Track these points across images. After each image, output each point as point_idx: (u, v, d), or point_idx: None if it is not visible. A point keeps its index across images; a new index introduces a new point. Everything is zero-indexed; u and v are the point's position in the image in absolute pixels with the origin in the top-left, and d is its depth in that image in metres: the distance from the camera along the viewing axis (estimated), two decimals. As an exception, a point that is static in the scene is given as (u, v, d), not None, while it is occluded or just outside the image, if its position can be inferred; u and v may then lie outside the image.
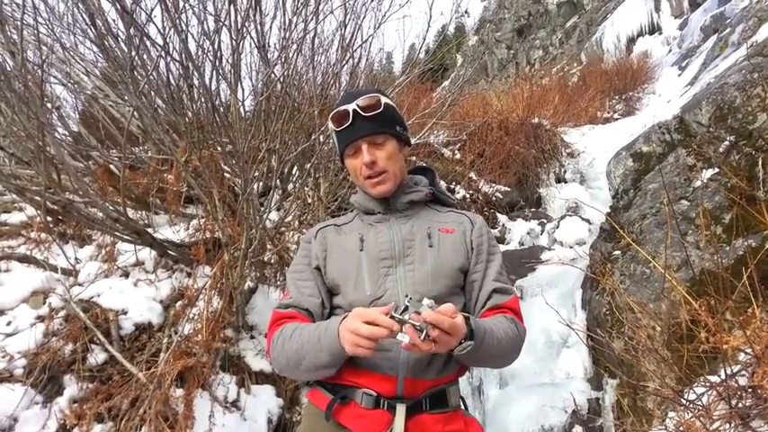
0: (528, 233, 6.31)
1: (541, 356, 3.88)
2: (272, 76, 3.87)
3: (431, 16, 4.76)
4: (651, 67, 13.63)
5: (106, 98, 4.33)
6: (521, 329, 1.49)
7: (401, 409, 1.35)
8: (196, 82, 3.32)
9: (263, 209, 3.67)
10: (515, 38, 28.41)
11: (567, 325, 2.73)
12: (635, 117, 10.21)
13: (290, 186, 4.68)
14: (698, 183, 3.43)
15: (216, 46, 3.29)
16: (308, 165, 4.26)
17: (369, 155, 1.52)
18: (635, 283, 3.34)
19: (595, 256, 4.04)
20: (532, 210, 7.23)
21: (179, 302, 3.43)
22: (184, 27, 3.11)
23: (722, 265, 2.60)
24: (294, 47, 3.89)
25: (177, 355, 3.07)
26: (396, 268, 1.49)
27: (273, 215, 4.11)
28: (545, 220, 6.57)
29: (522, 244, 6.18)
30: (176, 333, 3.21)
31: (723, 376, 2.06)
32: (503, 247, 5.92)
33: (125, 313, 3.22)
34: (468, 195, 6.75)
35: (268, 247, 3.78)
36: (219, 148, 3.79)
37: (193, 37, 3.39)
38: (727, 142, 3.35)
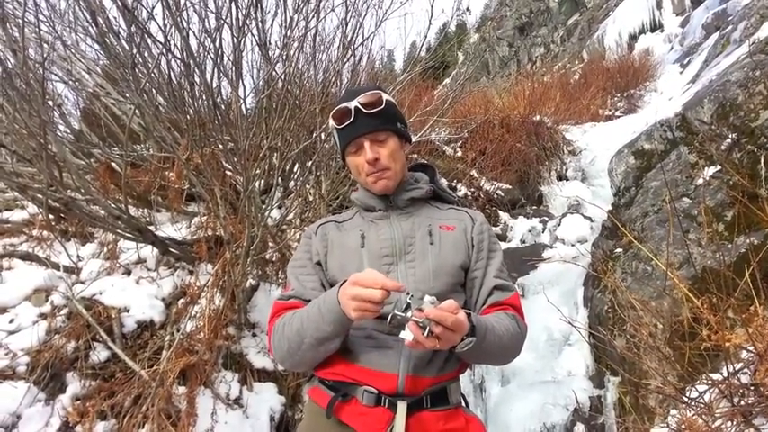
0: (529, 231, 6.30)
1: (543, 354, 3.88)
2: (274, 73, 3.87)
3: (432, 14, 4.76)
4: (653, 65, 13.57)
5: (107, 96, 4.33)
6: (522, 326, 1.49)
7: (402, 407, 1.34)
8: (197, 79, 3.32)
9: (264, 206, 3.68)
10: (517, 35, 28.37)
11: (569, 322, 2.72)
12: (637, 115, 10.18)
13: (292, 184, 4.68)
14: (700, 180, 3.43)
15: (217, 44, 3.29)
16: (310, 162, 4.26)
17: (371, 152, 1.51)
18: (637, 281, 3.34)
19: (597, 253, 4.04)
20: (534, 207, 7.22)
21: (181, 300, 3.44)
22: (186, 24, 3.11)
23: (724, 262, 2.59)
24: (295, 44, 3.88)
25: (179, 352, 3.08)
26: (397, 265, 1.48)
27: (275, 213, 4.12)
28: (546, 218, 6.57)
29: (524, 242, 6.18)
30: (178, 331, 3.22)
31: (725, 374, 2.06)
32: (504, 245, 5.92)
33: (127, 311, 3.22)
34: (469, 193, 6.74)
35: (270, 244, 3.78)
36: (221, 146, 3.78)
37: (195, 34, 3.40)
38: (729, 140, 3.34)
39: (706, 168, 3.47)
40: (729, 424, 1.98)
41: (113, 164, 3.88)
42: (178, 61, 3.13)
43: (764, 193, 2.86)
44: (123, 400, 2.87)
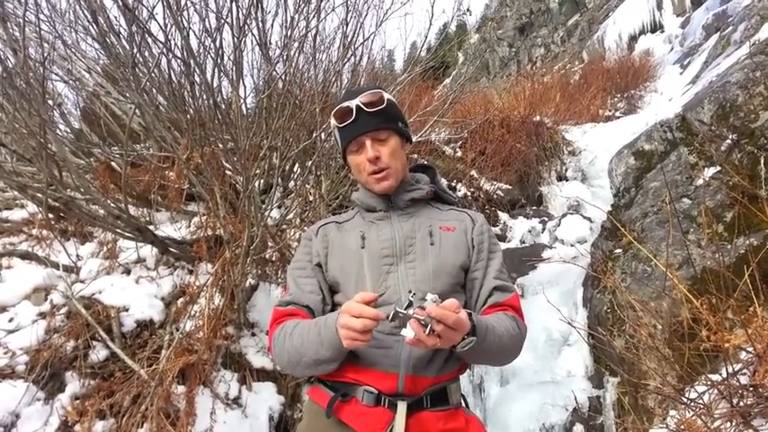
0: (529, 231, 6.30)
1: (542, 354, 3.88)
2: (274, 73, 3.87)
3: (433, 14, 4.76)
4: (653, 66, 13.56)
5: (108, 95, 4.33)
6: (522, 327, 1.49)
7: (402, 407, 1.35)
8: (198, 79, 3.32)
9: (264, 206, 3.68)
10: (517, 36, 28.35)
11: (569, 323, 2.73)
12: (636, 115, 10.17)
13: (292, 184, 4.68)
14: (700, 181, 3.43)
15: (218, 43, 3.29)
16: (310, 162, 4.26)
17: (372, 151, 1.52)
18: (636, 282, 3.34)
19: (597, 254, 4.04)
20: (534, 208, 7.22)
21: (180, 299, 3.44)
22: (186, 24, 3.11)
23: (724, 263, 2.59)
24: (296, 44, 3.88)
25: (179, 352, 3.07)
26: (397, 266, 1.49)
27: (275, 213, 4.12)
28: (546, 219, 6.57)
29: (524, 242, 6.18)
30: (178, 330, 3.22)
31: (724, 375, 2.06)
32: (504, 246, 5.92)
33: (126, 310, 3.22)
34: (469, 193, 6.74)
35: (269, 244, 3.78)
36: (221, 146, 3.78)
37: (195, 34, 3.39)
38: (729, 141, 3.35)
39: (706, 169, 3.47)
40: (728, 425, 1.98)
41: (113, 163, 3.88)
42: (179, 60, 3.13)
43: (764, 194, 2.86)
44: (122, 400, 2.87)
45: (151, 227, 3.60)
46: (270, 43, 4.14)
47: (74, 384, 2.85)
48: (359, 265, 1.49)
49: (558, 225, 6.03)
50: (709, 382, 2.15)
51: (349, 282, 1.49)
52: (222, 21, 3.28)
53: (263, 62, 4.21)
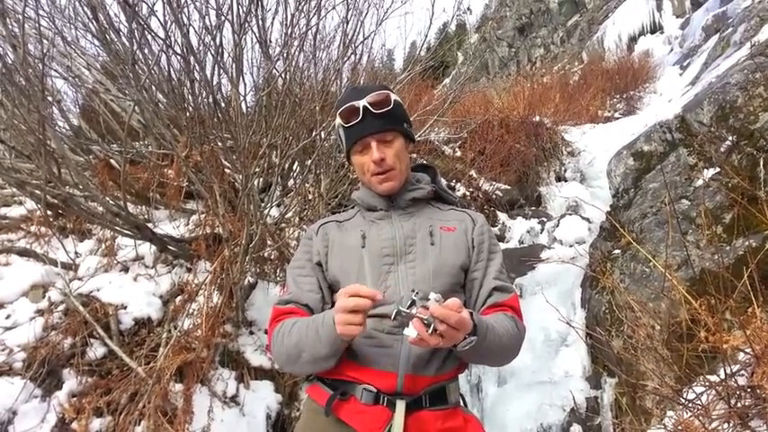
0: (528, 231, 6.31)
1: (540, 355, 3.88)
2: (274, 71, 3.87)
3: (433, 13, 4.76)
4: (652, 67, 13.57)
5: (107, 92, 4.33)
6: (521, 328, 1.49)
7: (401, 406, 1.35)
8: (197, 76, 3.31)
9: (263, 205, 3.67)
10: (517, 36, 28.34)
11: (567, 323, 2.73)
12: (636, 116, 10.19)
13: (291, 182, 4.67)
14: (699, 182, 3.43)
15: (218, 41, 3.29)
16: (309, 161, 4.26)
17: (378, 152, 1.51)
18: (635, 282, 3.34)
19: (595, 254, 4.04)
20: (532, 208, 7.23)
21: (179, 297, 3.44)
22: (186, 21, 3.10)
23: (722, 264, 2.60)
24: (296, 42, 3.88)
25: (176, 350, 3.07)
26: (397, 266, 1.48)
27: (274, 211, 4.11)
28: (545, 219, 6.57)
29: (522, 242, 6.19)
30: (176, 328, 3.21)
31: (722, 376, 2.06)
32: (502, 246, 5.92)
33: (124, 308, 3.22)
34: (468, 193, 6.74)
35: (268, 243, 3.78)
36: (220, 144, 3.78)
37: (195, 30, 3.39)
38: (728, 142, 3.35)
39: (705, 170, 3.47)
40: (726, 426, 1.98)
41: (112, 160, 3.88)
42: (178, 58, 3.13)
43: (763, 196, 2.86)
44: (120, 397, 2.86)
45: (150, 224, 3.59)
46: (270, 41, 4.14)
47: (71, 382, 2.85)
48: (359, 265, 1.49)
49: (557, 225, 6.03)
50: (707, 383, 2.15)
51: (349, 281, 1.48)
52: (222, 18, 3.27)
53: (263, 60, 4.21)
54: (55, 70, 3.95)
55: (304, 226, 4.16)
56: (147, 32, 2.86)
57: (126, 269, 3.53)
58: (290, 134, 3.80)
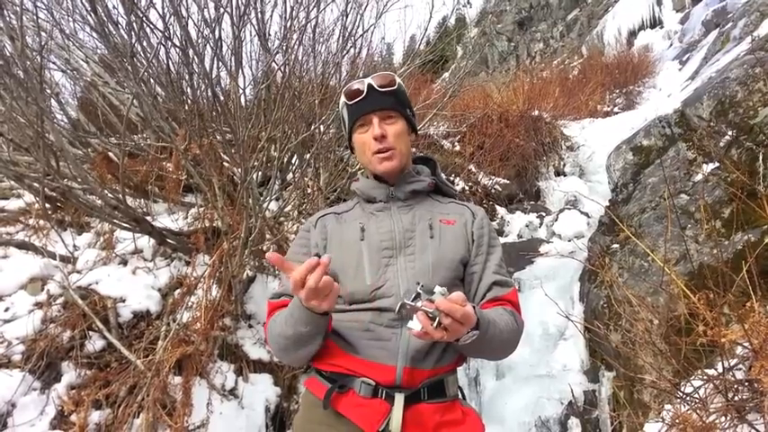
0: (527, 226, 6.32)
1: (538, 348, 3.89)
2: (273, 64, 3.85)
3: (433, 6, 4.74)
4: (652, 61, 13.54)
5: (105, 85, 4.31)
6: (519, 322, 1.49)
7: (399, 399, 1.34)
8: (196, 69, 3.30)
9: (262, 198, 3.67)
10: (516, 30, 28.25)
11: (566, 317, 2.74)
12: (635, 111, 10.17)
13: (290, 176, 4.67)
14: (698, 177, 3.43)
15: (217, 34, 3.27)
16: (308, 154, 4.25)
17: (379, 128, 1.51)
18: (633, 277, 3.35)
19: (594, 249, 4.05)
20: (531, 202, 7.23)
21: (177, 291, 3.44)
22: (185, 13, 3.09)
23: (721, 258, 2.60)
24: (295, 36, 3.86)
25: (175, 343, 3.07)
26: (396, 258, 1.48)
27: (273, 205, 4.11)
28: (544, 213, 6.58)
29: (521, 236, 6.19)
30: (174, 321, 3.22)
31: (720, 369, 2.07)
32: (501, 240, 5.91)
33: (123, 301, 3.22)
34: (467, 187, 6.74)
35: (267, 236, 3.78)
36: (219, 137, 3.77)
37: (194, 23, 3.37)
38: (727, 137, 3.35)
39: (704, 165, 3.48)
40: (723, 419, 1.99)
41: (111, 153, 3.86)
42: (177, 50, 3.11)
43: (763, 191, 2.87)
44: (118, 390, 2.87)
45: (148, 218, 3.59)
46: (269, 34, 4.12)
47: (70, 374, 2.85)
48: (358, 257, 1.48)
49: (556, 220, 6.04)
50: (704, 377, 2.16)
51: (347, 273, 1.48)
52: (221, 10, 3.26)
53: (263, 53, 4.19)
54: (53, 63, 3.94)
55: (303, 219, 4.16)
56: (145, 25, 2.85)
57: (125, 262, 3.53)
58: (289, 127, 3.79)
